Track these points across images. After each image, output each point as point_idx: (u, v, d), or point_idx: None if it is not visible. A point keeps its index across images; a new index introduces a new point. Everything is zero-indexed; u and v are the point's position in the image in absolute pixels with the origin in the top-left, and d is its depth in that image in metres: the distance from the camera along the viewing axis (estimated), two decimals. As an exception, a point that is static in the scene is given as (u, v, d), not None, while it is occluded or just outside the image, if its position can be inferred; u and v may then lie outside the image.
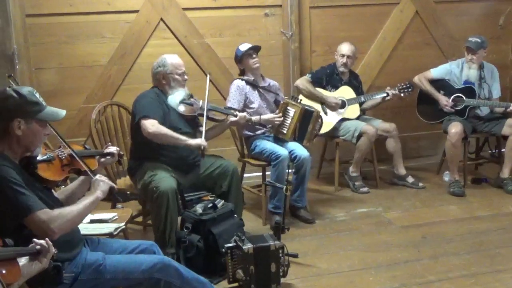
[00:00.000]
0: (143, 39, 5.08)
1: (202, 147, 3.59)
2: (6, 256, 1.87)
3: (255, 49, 4.41)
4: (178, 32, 5.14)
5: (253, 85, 4.41)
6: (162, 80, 3.79)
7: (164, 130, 3.57)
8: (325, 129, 4.75)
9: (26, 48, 4.82)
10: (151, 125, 3.55)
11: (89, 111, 4.38)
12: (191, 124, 3.85)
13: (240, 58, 4.39)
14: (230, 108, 4.19)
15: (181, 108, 3.76)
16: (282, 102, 4.37)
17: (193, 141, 3.62)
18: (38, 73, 4.92)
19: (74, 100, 4.99)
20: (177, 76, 3.78)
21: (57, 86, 4.96)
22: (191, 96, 3.86)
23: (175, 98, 3.77)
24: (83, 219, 2.45)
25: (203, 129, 3.72)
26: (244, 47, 4.37)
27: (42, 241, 1.99)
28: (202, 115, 3.77)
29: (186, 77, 3.85)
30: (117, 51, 5.04)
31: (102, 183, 2.49)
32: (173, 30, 5.13)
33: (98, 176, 2.53)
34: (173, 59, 3.81)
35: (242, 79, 4.40)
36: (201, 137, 3.65)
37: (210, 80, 5.17)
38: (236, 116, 3.97)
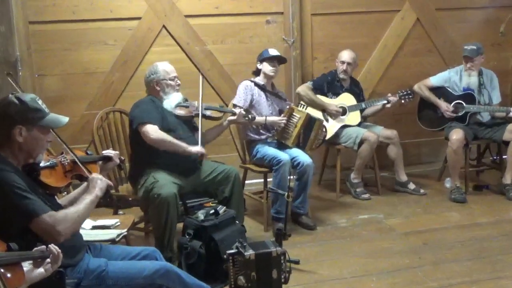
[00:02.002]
0: (146, 46, 5.11)
1: (200, 154, 3.66)
2: (10, 260, 1.87)
3: (280, 60, 4.46)
4: (180, 39, 5.17)
5: (262, 88, 4.44)
6: (156, 87, 3.83)
7: (166, 136, 3.62)
8: (327, 135, 4.75)
9: (29, 54, 4.84)
10: (153, 132, 3.60)
11: (92, 118, 4.40)
12: (189, 127, 3.88)
13: (263, 59, 4.42)
14: (235, 106, 4.29)
15: (178, 111, 3.81)
16: (288, 107, 4.40)
17: (193, 148, 3.68)
18: (41, 80, 4.94)
19: (76, 106, 5.01)
20: (169, 81, 3.84)
21: (60, 93, 4.98)
22: (186, 100, 3.90)
23: (171, 102, 3.81)
24: (85, 219, 2.45)
25: (199, 134, 3.76)
26: (272, 52, 4.42)
27: (54, 250, 2.00)
28: (198, 115, 3.81)
29: (178, 81, 3.90)
30: (119, 58, 5.06)
31: (100, 181, 2.50)
32: (175, 37, 5.15)
33: (95, 174, 2.53)
34: (164, 66, 3.88)
35: (252, 81, 4.44)
36: (197, 142, 3.72)
37: (213, 88, 5.23)
38: (234, 114, 4.00)
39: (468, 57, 4.96)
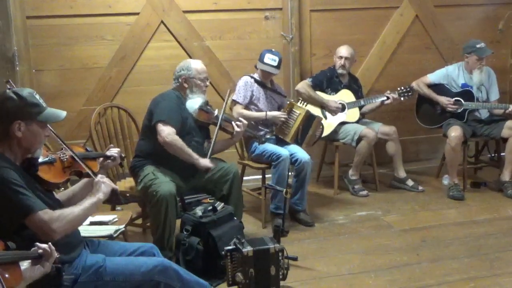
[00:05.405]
0: (144, 42, 5.09)
1: (205, 168, 3.64)
2: (8, 259, 1.86)
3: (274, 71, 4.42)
4: (179, 35, 5.15)
5: (261, 84, 4.44)
6: (183, 83, 3.79)
7: (179, 143, 3.58)
8: (325, 132, 4.74)
9: (26, 50, 4.83)
10: (169, 134, 3.55)
11: (89, 113, 4.38)
12: (202, 133, 3.86)
13: (260, 64, 4.38)
14: (234, 102, 4.31)
15: (198, 114, 3.76)
16: (288, 103, 4.40)
17: (201, 161, 3.64)
18: (38, 75, 4.92)
19: (74, 102, 5.00)
20: (199, 82, 3.79)
21: (58, 88, 4.97)
22: (207, 104, 3.87)
23: (193, 103, 3.76)
24: (84, 221, 2.44)
25: (211, 146, 3.73)
26: (268, 60, 4.33)
27: (44, 245, 1.99)
28: (215, 124, 3.79)
29: (207, 83, 3.86)
30: (117, 53, 5.05)
31: (104, 184, 2.48)
32: (173, 32, 5.14)
33: (100, 177, 2.51)
34: (197, 64, 3.83)
35: (252, 77, 4.43)
36: (207, 152, 3.70)
37: (211, 84, 5.21)
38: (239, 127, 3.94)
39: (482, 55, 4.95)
